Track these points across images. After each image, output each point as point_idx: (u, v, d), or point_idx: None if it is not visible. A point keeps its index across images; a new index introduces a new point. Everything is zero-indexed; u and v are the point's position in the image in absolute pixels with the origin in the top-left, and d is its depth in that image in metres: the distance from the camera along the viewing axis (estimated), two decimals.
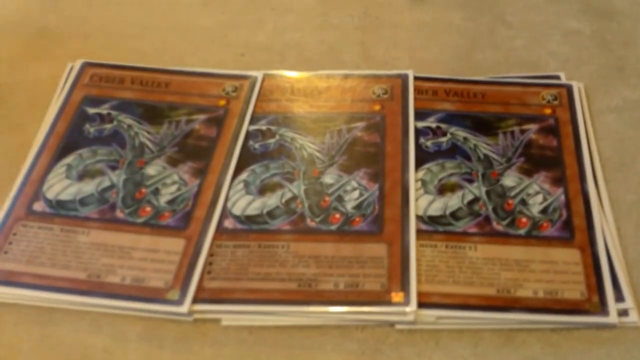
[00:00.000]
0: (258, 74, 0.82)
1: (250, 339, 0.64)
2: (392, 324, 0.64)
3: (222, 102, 0.79)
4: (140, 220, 0.70)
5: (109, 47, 0.86)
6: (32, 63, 0.84)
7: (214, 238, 0.68)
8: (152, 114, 0.78)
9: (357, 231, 0.69)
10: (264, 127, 0.77)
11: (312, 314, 0.64)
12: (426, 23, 0.88)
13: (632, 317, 0.64)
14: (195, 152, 0.75)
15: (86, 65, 0.82)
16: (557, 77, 0.81)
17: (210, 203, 0.71)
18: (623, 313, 0.64)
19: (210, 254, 0.67)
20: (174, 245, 0.68)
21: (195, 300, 0.64)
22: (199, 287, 0.65)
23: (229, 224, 0.69)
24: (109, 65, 0.83)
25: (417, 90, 0.79)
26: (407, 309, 0.63)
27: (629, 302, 0.64)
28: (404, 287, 0.65)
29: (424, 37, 0.87)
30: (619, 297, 0.65)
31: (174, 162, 0.74)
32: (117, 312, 0.65)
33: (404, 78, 0.81)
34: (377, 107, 0.78)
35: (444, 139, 0.75)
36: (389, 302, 0.64)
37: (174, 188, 0.72)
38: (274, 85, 0.81)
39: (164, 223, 0.70)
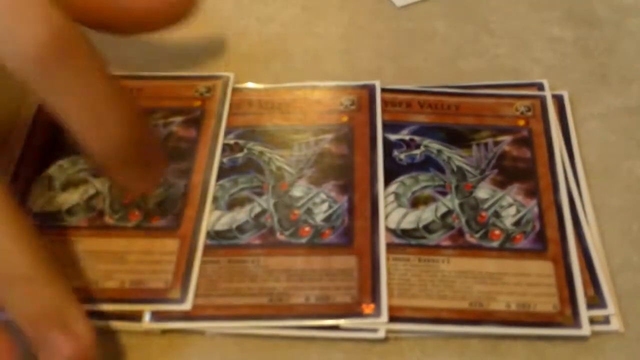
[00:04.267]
0: (230, 74, 0.82)
1: (235, 348, 0.63)
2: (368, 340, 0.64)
3: (198, 103, 0.79)
4: (131, 224, 0.69)
5: None
6: None
7: None
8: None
9: (327, 244, 0.68)
10: (232, 141, 0.76)
11: (282, 328, 0.64)
12: (410, 31, 0.88)
13: (614, 324, 0.63)
14: (176, 153, 0.74)
15: None
16: (541, 85, 0.80)
17: (199, 202, 0.71)
18: (605, 320, 0.64)
19: None
20: (169, 245, 0.68)
21: (166, 318, 0.64)
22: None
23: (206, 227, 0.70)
24: None
25: (391, 103, 0.79)
26: (379, 319, 0.63)
27: (610, 309, 0.64)
28: (375, 299, 0.65)
29: (408, 45, 0.86)
30: (602, 304, 0.64)
31: None
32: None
33: (371, 88, 0.80)
34: (344, 119, 0.78)
35: (417, 152, 0.75)
36: (360, 314, 0.64)
37: (161, 190, 0.72)
38: (241, 99, 0.80)
39: (156, 225, 0.69)
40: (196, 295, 0.65)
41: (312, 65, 0.85)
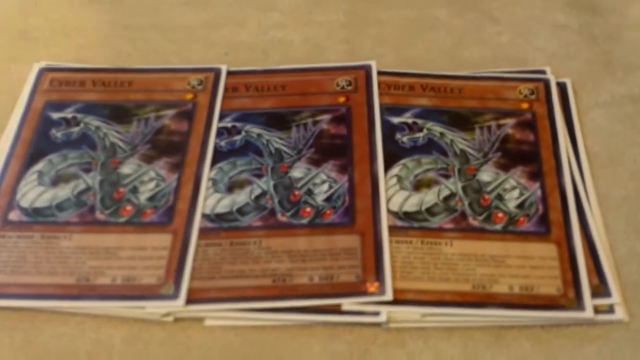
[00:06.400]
0: (222, 66, 0.81)
1: (236, 340, 0.63)
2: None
3: (190, 96, 0.79)
4: (122, 219, 0.69)
5: (90, 47, 0.86)
6: (13, 65, 0.83)
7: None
8: (119, 114, 0.77)
9: (328, 224, 0.68)
10: (229, 125, 0.76)
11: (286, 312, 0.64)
12: (412, 20, 0.88)
13: (619, 313, 0.63)
14: (168, 147, 0.74)
15: (44, 71, 0.82)
16: (543, 72, 0.80)
17: (191, 195, 0.70)
18: (609, 308, 0.63)
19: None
20: (161, 240, 0.68)
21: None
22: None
23: (199, 222, 0.69)
24: (67, 68, 0.82)
25: (394, 86, 0.79)
26: (384, 297, 0.63)
27: (615, 298, 0.64)
28: (379, 277, 0.64)
29: (410, 34, 0.86)
30: (606, 293, 0.64)
31: (148, 159, 0.73)
32: (104, 313, 0.64)
33: (367, 69, 0.80)
34: (341, 99, 0.78)
35: (420, 135, 0.74)
36: (364, 293, 0.64)
37: (152, 184, 0.71)
38: (237, 82, 0.80)
39: (148, 220, 0.69)
40: (199, 279, 0.65)
41: (312, 54, 0.85)
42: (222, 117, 0.77)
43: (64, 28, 0.88)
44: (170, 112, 0.77)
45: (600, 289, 0.65)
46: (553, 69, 0.81)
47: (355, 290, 0.64)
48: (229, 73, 0.81)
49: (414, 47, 0.85)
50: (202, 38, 0.87)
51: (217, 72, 0.81)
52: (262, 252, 0.67)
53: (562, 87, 0.79)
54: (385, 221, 0.68)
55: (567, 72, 0.81)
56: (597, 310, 0.63)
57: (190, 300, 0.64)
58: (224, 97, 0.79)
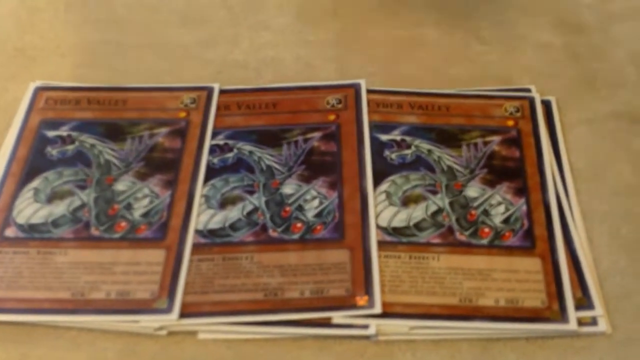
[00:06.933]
0: (214, 85, 0.83)
1: (229, 353, 0.64)
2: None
3: (183, 114, 0.80)
4: (117, 235, 0.70)
5: (86, 66, 0.87)
6: (9, 83, 0.84)
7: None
8: (113, 132, 0.78)
9: (319, 239, 0.70)
10: (221, 142, 0.78)
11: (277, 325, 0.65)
12: (402, 38, 0.89)
13: (602, 325, 0.64)
14: (162, 164, 0.76)
15: (39, 90, 0.83)
16: (528, 90, 0.82)
17: (185, 212, 0.72)
18: (593, 320, 0.65)
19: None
20: (155, 256, 0.69)
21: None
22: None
23: (192, 238, 0.70)
24: (62, 87, 0.83)
25: (382, 104, 0.80)
26: (373, 311, 0.64)
27: (598, 310, 0.65)
28: (368, 290, 0.66)
29: (400, 52, 0.88)
30: (589, 305, 0.65)
31: (142, 176, 0.74)
32: (100, 327, 0.65)
33: (357, 87, 0.82)
34: (332, 117, 0.79)
35: (408, 152, 0.76)
36: (354, 306, 0.65)
37: (146, 201, 0.73)
38: (229, 100, 0.82)
39: (142, 236, 0.70)
40: (192, 293, 0.66)
41: (303, 72, 0.86)
42: (214, 135, 0.78)
43: (59, 47, 0.89)
44: (164, 130, 0.79)
45: (584, 301, 0.66)
46: (538, 86, 0.82)
47: (345, 304, 0.65)
48: (222, 92, 0.82)
49: (403, 65, 0.86)
50: (196, 57, 0.88)
51: (209, 91, 0.82)
52: (254, 266, 0.68)
53: (546, 105, 0.81)
54: (374, 236, 0.69)
55: (552, 89, 0.83)
56: (580, 322, 0.64)
57: (183, 314, 0.65)
58: (217, 115, 0.80)
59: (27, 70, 0.86)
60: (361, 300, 0.65)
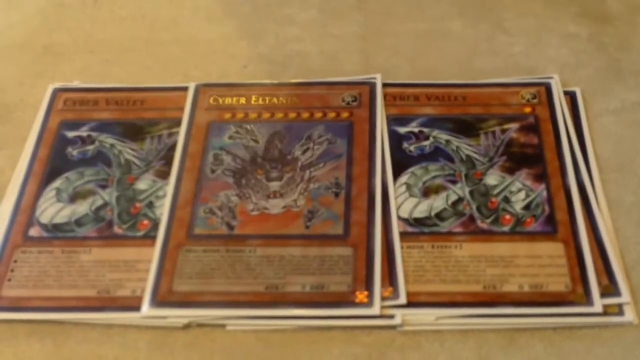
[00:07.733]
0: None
1: (258, 344, 0.65)
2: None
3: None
4: (140, 233, 0.71)
5: (113, 62, 0.88)
6: (39, 80, 0.85)
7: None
8: (132, 132, 0.79)
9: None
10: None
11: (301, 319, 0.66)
12: (426, 31, 0.90)
13: (629, 315, 0.64)
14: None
15: (57, 91, 0.84)
16: (551, 78, 0.82)
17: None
18: (619, 310, 0.65)
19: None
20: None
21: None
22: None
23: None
24: (80, 88, 0.84)
25: (399, 97, 0.81)
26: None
27: (625, 297, 0.65)
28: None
29: (424, 45, 0.88)
30: (616, 292, 0.65)
31: (163, 175, 0.75)
32: (127, 324, 0.66)
33: (371, 85, 0.82)
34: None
35: (426, 143, 0.76)
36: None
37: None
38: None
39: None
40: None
41: (328, 65, 0.87)
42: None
43: (87, 44, 0.91)
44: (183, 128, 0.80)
45: (610, 288, 0.66)
46: (564, 77, 0.82)
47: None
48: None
49: (427, 57, 0.87)
50: (222, 51, 0.89)
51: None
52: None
53: (571, 96, 0.81)
54: (396, 231, 0.70)
55: (578, 80, 0.83)
56: (607, 312, 0.65)
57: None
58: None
59: (56, 67, 0.88)
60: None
